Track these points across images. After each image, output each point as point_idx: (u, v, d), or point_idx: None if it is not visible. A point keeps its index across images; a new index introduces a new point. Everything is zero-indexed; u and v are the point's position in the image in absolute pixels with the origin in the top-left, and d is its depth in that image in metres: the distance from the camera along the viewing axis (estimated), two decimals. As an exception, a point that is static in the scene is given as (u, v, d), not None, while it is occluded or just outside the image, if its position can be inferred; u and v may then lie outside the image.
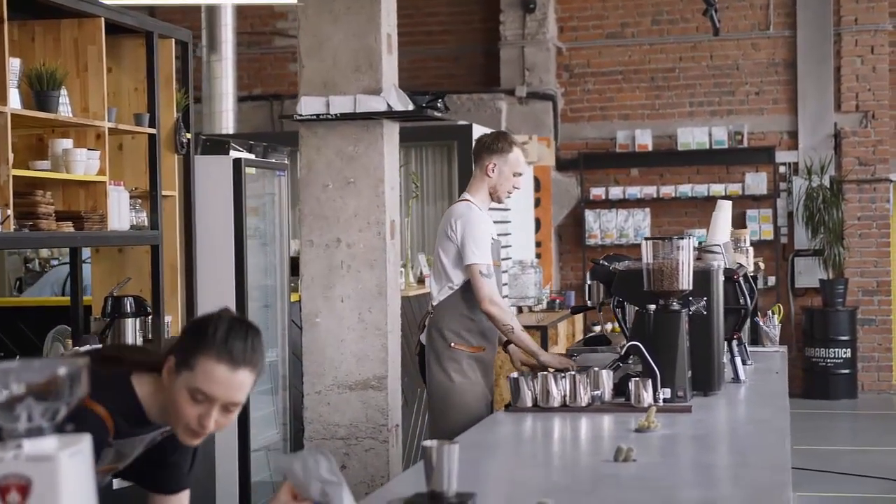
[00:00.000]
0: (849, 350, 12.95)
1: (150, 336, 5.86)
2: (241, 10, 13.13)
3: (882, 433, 11.34)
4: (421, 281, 8.77)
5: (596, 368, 4.60)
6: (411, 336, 7.65)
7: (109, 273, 5.99)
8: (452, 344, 5.46)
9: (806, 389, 13.07)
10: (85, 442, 1.83)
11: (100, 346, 5.23)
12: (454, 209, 5.55)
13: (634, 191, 13.59)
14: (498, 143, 5.57)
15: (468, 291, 5.42)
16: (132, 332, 5.67)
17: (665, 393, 4.48)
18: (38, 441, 1.79)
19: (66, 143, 5.25)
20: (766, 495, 3.09)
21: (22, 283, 9.37)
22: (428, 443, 2.83)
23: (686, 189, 13.47)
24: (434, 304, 5.55)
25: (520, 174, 5.62)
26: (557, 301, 11.54)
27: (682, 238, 4.64)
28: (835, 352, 12.93)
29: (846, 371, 12.97)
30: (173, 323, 6.10)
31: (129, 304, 5.68)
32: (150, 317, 5.84)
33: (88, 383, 2.65)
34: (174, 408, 2.75)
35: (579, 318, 12.04)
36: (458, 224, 5.41)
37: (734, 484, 3.32)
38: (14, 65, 4.97)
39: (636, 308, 4.77)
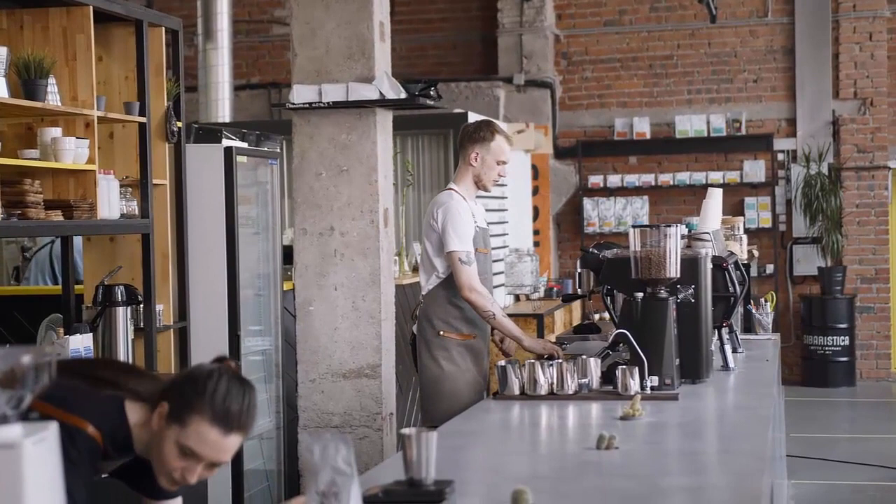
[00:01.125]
0: (847, 338, 12.95)
1: (141, 325, 5.86)
2: (238, -1, 13.13)
3: (880, 421, 11.35)
4: (416, 269, 8.77)
5: (584, 356, 4.60)
6: (405, 324, 7.66)
7: (100, 262, 5.99)
8: (441, 332, 5.48)
9: (804, 377, 13.08)
10: (50, 430, 1.84)
11: (93, 358, 5.17)
12: (437, 199, 5.58)
13: (633, 179, 13.58)
14: (480, 131, 5.58)
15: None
16: (123, 320, 5.67)
17: (652, 381, 4.49)
18: (3, 429, 1.80)
19: (55, 131, 5.25)
20: (743, 482, 3.09)
21: (19, 272, 9.38)
22: (406, 431, 2.83)
23: (684, 177, 13.46)
24: (423, 293, 5.58)
25: (503, 162, 5.61)
26: (555, 289, 11.54)
27: (670, 226, 4.63)
28: (833, 339, 12.93)
29: (844, 359, 12.97)
30: (165, 311, 6.10)
31: (120, 293, 5.68)
32: (141, 305, 5.84)
33: (83, 399, 2.68)
34: (160, 454, 2.74)
35: (577, 306, 12.04)
36: (439, 213, 5.44)
37: (712, 471, 3.33)
38: (1, 53, 4.97)
39: (624, 296, 4.77)
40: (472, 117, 10.62)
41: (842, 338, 12.93)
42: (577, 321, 11.63)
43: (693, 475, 3.28)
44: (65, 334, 5.55)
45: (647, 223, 11.97)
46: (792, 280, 13.44)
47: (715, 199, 5.94)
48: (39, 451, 1.80)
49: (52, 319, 6.04)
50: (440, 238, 5.42)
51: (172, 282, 6.19)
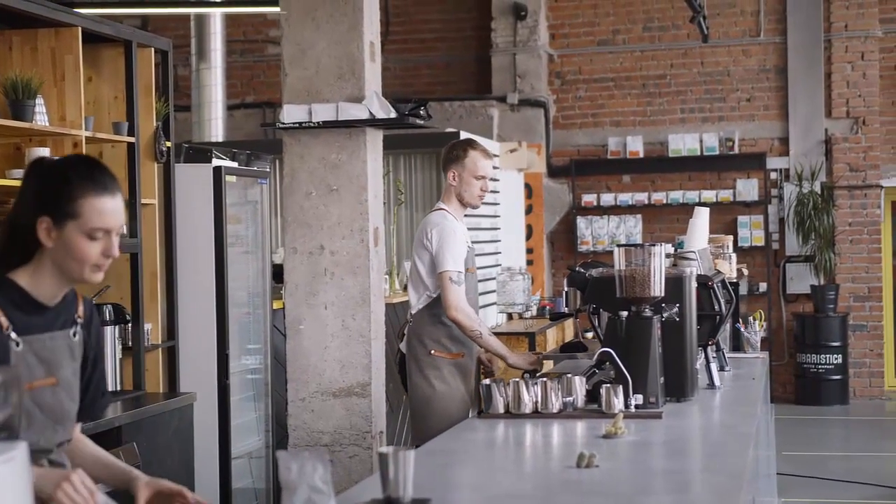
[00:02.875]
0: (840, 356, 12.96)
1: (129, 344, 5.87)
2: (233, 19, 13.16)
3: (873, 439, 11.35)
4: (406, 288, 8.78)
5: (569, 375, 4.61)
6: (395, 342, 7.67)
7: (89, 281, 6.00)
8: (432, 351, 5.52)
9: (797, 395, 13.08)
10: (19, 449, 1.85)
11: None
12: (429, 219, 5.67)
13: (626, 197, 13.61)
14: (453, 151, 5.75)
15: None
16: (111, 339, 5.68)
17: (637, 399, 4.49)
18: (-30, 448, 1.81)
19: (43, 151, 5.27)
20: (721, 500, 3.10)
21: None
22: (384, 449, 2.85)
23: (677, 195, 13.49)
24: (412, 312, 5.64)
25: (482, 177, 5.70)
26: (548, 308, 11.54)
27: (654, 245, 4.65)
28: (826, 358, 12.94)
29: (838, 377, 12.98)
30: (153, 330, 6.12)
31: (108, 312, 5.70)
32: (129, 325, 5.85)
33: None
34: (75, 255, 2.82)
35: (569, 324, 12.05)
36: (433, 233, 5.53)
37: (692, 489, 3.33)
38: (-10, 74, 5.00)
39: (609, 314, 4.78)
40: (464, 136, 10.65)
41: (835, 356, 12.95)
42: (569, 339, 11.63)
43: (672, 493, 3.29)
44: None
45: (641, 242, 11.98)
46: (785, 298, 13.46)
47: (701, 217, 5.96)
48: (8, 471, 1.81)
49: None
50: (432, 258, 5.50)
51: (161, 301, 6.20)
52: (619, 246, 4.68)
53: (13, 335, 2.82)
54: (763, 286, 13.26)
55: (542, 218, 13.31)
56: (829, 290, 13.01)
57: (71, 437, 3.02)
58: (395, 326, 7.61)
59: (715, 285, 5.30)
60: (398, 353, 5.76)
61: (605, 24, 13.85)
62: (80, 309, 3.02)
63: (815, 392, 12.93)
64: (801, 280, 13.31)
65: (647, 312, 4.63)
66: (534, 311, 11.05)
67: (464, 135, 10.62)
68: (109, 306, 5.71)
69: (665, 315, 4.69)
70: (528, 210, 13.05)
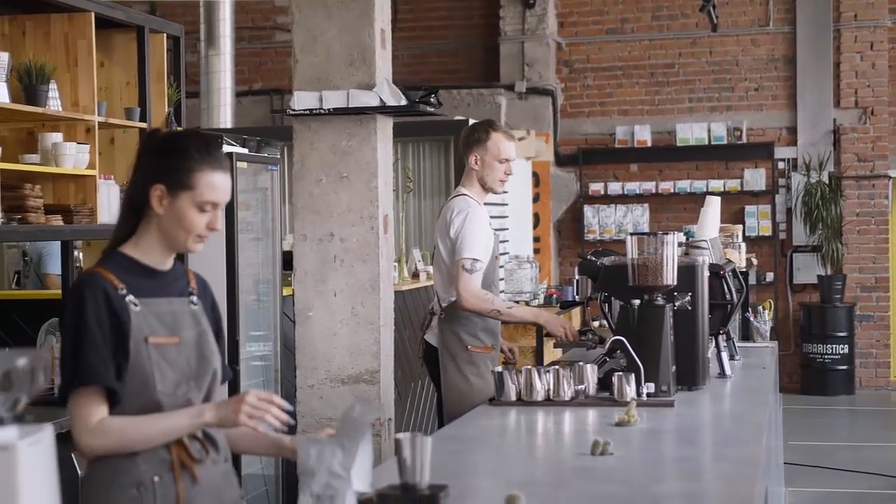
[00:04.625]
0: (846, 346, 12.96)
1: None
2: (242, 6, 13.16)
3: (879, 429, 11.36)
4: (416, 275, 8.79)
5: (581, 363, 4.62)
6: (404, 330, 7.67)
7: (101, 266, 6.01)
8: (470, 346, 5.40)
9: (804, 385, 13.09)
10: (45, 432, 1.85)
11: None
12: (451, 205, 5.52)
13: (633, 186, 13.60)
14: (474, 133, 5.56)
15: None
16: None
17: (649, 387, 4.49)
18: (-2, 431, 1.82)
19: (56, 136, 5.27)
20: (736, 488, 3.11)
21: (20, 276, 9.39)
22: (400, 435, 2.85)
23: (685, 185, 13.48)
24: (444, 304, 5.47)
25: (505, 160, 5.54)
26: (555, 296, 11.53)
27: (667, 233, 4.65)
28: (832, 348, 12.94)
29: (844, 367, 12.98)
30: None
31: (120, 298, 5.69)
32: (140, 309, 5.85)
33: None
34: (183, 225, 2.97)
35: (577, 312, 12.05)
36: (456, 219, 5.40)
37: (706, 478, 3.34)
38: (3, 59, 4.99)
39: (621, 303, 4.78)
40: (473, 120, 10.64)
41: (841, 346, 12.95)
42: (577, 328, 11.63)
43: (686, 481, 3.29)
44: (64, 338, 5.56)
45: (647, 231, 11.98)
46: (792, 288, 13.46)
47: (713, 207, 5.96)
48: (34, 453, 1.82)
49: (52, 324, 6.05)
50: (452, 243, 5.38)
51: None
52: (631, 234, 4.68)
53: (130, 297, 2.95)
54: (770, 276, 13.26)
55: (549, 206, 13.30)
56: (835, 280, 13.01)
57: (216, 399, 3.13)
58: (403, 314, 7.61)
59: (726, 274, 5.30)
60: (422, 344, 5.65)
61: (613, 13, 13.83)
62: (193, 282, 3.14)
63: (822, 382, 12.94)
64: (807, 270, 13.31)
65: (660, 301, 4.63)
66: (541, 299, 11.06)
67: (473, 122, 10.62)
68: (121, 292, 5.70)
69: (677, 304, 4.69)
70: (536, 198, 13.04)
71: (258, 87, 14.15)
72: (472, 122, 10.60)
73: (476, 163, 5.52)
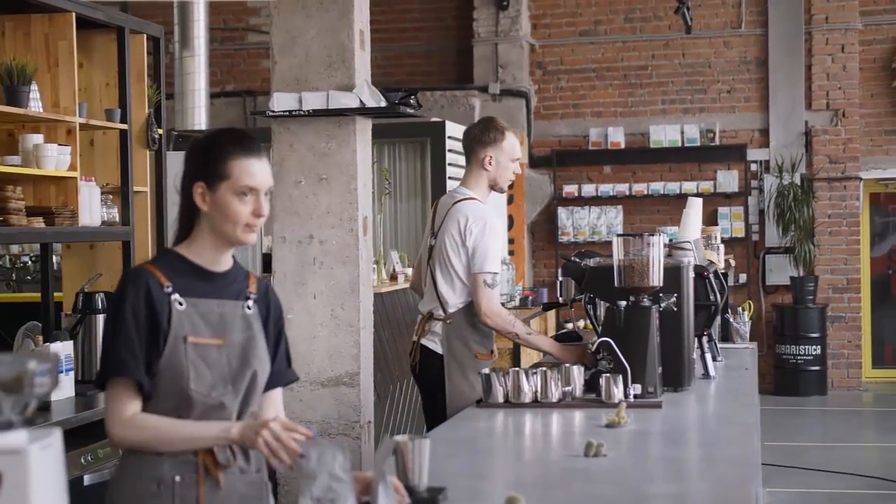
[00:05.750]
0: (819, 347, 13.04)
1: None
2: (214, 6, 13.09)
3: (851, 429, 11.43)
4: (394, 277, 8.77)
5: (567, 365, 4.61)
6: (383, 332, 7.65)
7: (80, 269, 5.97)
8: (478, 354, 5.29)
9: (776, 386, 13.15)
10: (55, 436, 1.83)
11: None
12: (467, 211, 5.28)
13: (607, 188, 13.63)
14: (489, 132, 5.33)
15: None
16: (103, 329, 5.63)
17: (635, 389, 4.50)
18: (8, 434, 1.79)
19: (37, 138, 5.22)
20: (733, 490, 3.11)
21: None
22: (400, 438, 2.84)
23: (658, 186, 13.52)
24: (451, 310, 5.30)
25: (517, 159, 5.40)
26: (530, 298, 11.56)
27: (653, 235, 4.65)
28: (805, 349, 13.01)
29: (816, 368, 13.06)
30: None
31: (100, 301, 5.65)
32: (121, 313, 5.81)
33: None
34: (228, 216, 3.01)
35: (552, 314, 12.08)
36: (474, 228, 5.20)
37: (703, 479, 3.34)
38: (-17, 60, 4.95)
39: (607, 304, 4.78)
40: (450, 126, 10.64)
41: (813, 347, 13.02)
42: (552, 329, 11.66)
43: (682, 483, 3.29)
44: (44, 342, 5.51)
45: (623, 233, 12.00)
46: (764, 290, 13.52)
47: (695, 208, 5.97)
48: (45, 457, 1.80)
49: (30, 327, 6.00)
50: (468, 255, 5.20)
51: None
52: (618, 236, 4.68)
53: (176, 296, 2.98)
54: (743, 277, 13.32)
55: (523, 208, 13.32)
56: (808, 281, 13.08)
57: (255, 405, 3.14)
58: (381, 317, 7.59)
59: (710, 276, 5.31)
60: (417, 347, 5.43)
61: (586, 15, 13.86)
62: (253, 287, 3.16)
63: (794, 383, 13.01)
64: (780, 271, 13.37)
65: (646, 302, 4.64)
66: (517, 301, 11.07)
67: (450, 125, 10.62)
68: (102, 294, 5.67)
69: (663, 305, 4.69)
70: (510, 200, 13.05)
71: (230, 89, 14.10)
72: (449, 124, 10.63)
73: (490, 163, 5.33)
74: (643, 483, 3.24)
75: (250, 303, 3.12)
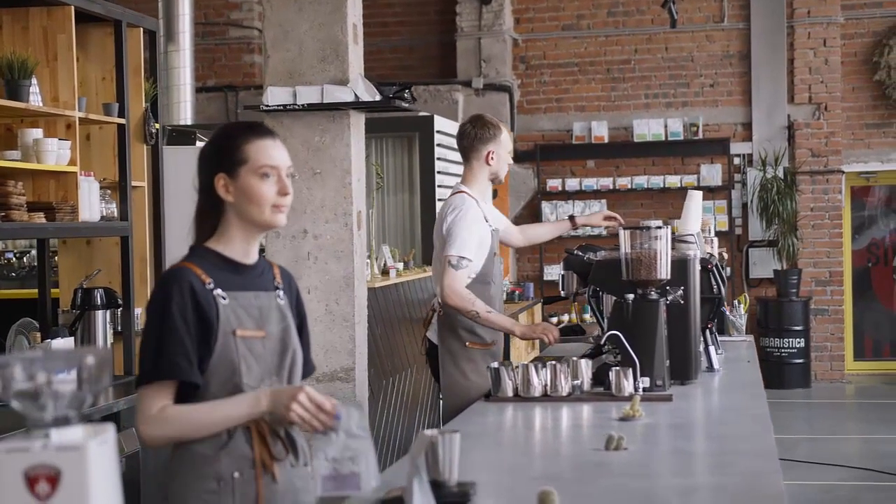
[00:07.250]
0: (802, 340, 13.08)
1: (120, 328, 5.79)
2: (196, 1, 13.02)
3: (836, 421, 11.48)
4: (385, 272, 8.75)
5: (574, 358, 4.61)
6: (376, 328, 7.63)
7: (77, 264, 5.92)
8: (468, 343, 5.36)
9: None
10: (110, 432, 1.81)
11: None
12: (449, 202, 5.44)
13: (591, 182, 13.64)
14: (488, 129, 5.48)
15: (477, 287, 5.34)
16: (102, 324, 5.60)
17: (644, 382, 4.49)
18: (66, 430, 1.77)
19: (37, 132, 5.18)
20: (759, 482, 3.11)
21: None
22: (429, 432, 2.82)
23: (642, 181, 13.53)
24: (441, 301, 5.38)
25: (510, 152, 5.59)
26: (517, 292, 11.57)
27: (660, 227, 4.65)
28: (788, 342, 13.05)
29: (800, 360, 13.10)
30: (143, 315, 6.04)
31: (99, 296, 5.61)
32: (120, 309, 5.77)
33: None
34: (253, 198, 2.99)
35: (537, 308, 12.09)
36: (450, 216, 5.33)
37: (727, 472, 3.32)
38: (-18, 53, 4.90)
39: (614, 298, 4.77)
40: (438, 121, 10.62)
41: (797, 340, 13.07)
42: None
43: (706, 475, 3.29)
44: (43, 339, 5.47)
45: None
46: (748, 283, 13.56)
47: (695, 201, 5.98)
48: (102, 452, 1.78)
49: (23, 324, 5.95)
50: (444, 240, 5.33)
51: (150, 285, 6.13)
52: (625, 229, 4.67)
53: (218, 290, 2.96)
54: (727, 271, 13.33)
55: (507, 203, 13.30)
56: (791, 274, 13.13)
57: None
58: (376, 311, 7.57)
59: (713, 268, 5.31)
60: (425, 340, 5.56)
61: (569, 9, 13.86)
62: (278, 276, 3.14)
63: (778, 376, 13.03)
64: (763, 265, 13.42)
65: (653, 295, 4.63)
66: (504, 296, 11.06)
67: (439, 120, 10.60)
68: (101, 290, 5.63)
69: (670, 298, 4.69)
70: (494, 195, 12.99)
71: (212, 84, 14.02)
72: (437, 118, 10.60)
73: (491, 158, 5.47)
74: (670, 475, 3.24)
75: (280, 292, 3.11)
